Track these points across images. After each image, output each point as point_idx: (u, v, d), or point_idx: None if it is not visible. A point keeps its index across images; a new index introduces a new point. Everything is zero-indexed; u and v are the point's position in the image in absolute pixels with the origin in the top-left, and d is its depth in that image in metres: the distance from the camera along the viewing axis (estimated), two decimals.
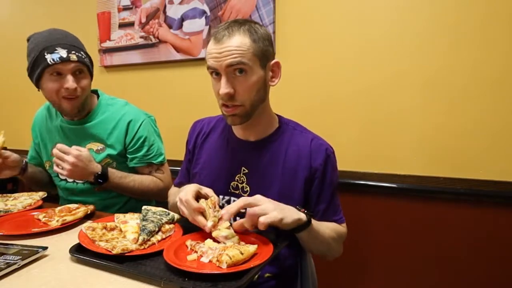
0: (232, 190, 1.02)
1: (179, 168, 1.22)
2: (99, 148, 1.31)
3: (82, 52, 1.24)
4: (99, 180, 1.21)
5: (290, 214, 0.83)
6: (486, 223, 1.41)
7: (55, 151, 1.16)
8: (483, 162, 1.41)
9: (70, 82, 1.19)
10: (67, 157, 1.14)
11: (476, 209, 1.42)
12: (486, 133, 1.40)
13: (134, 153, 1.32)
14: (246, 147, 1.02)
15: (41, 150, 1.44)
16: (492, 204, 1.40)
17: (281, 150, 1.00)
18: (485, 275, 1.43)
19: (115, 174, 1.26)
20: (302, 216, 0.85)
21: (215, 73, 0.92)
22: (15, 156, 1.26)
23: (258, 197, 0.83)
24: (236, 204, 0.84)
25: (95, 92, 1.41)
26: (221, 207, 0.96)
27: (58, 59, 1.17)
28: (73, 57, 1.19)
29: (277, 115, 1.07)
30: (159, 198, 1.36)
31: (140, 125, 1.33)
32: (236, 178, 1.01)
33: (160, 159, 1.38)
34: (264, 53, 0.92)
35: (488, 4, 1.36)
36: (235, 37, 0.89)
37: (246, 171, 1.01)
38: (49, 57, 1.17)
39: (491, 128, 1.40)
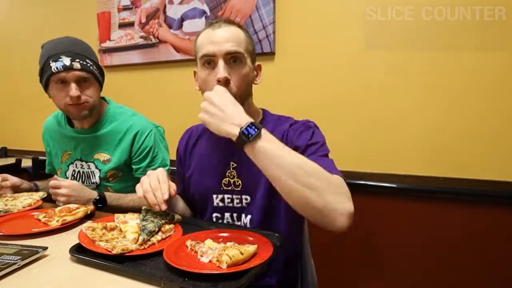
0: (225, 187, 1.02)
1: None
2: (105, 159, 1.32)
3: (88, 60, 1.23)
4: (99, 205, 1.20)
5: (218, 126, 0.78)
6: (486, 223, 1.41)
7: (50, 190, 1.18)
8: (483, 162, 1.41)
9: (73, 90, 1.20)
10: (59, 190, 1.15)
11: (476, 209, 1.42)
12: (486, 133, 1.40)
13: (138, 163, 1.32)
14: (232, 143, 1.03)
15: (53, 158, 1.46)
16: (492, 204, 1.40)
17: None
18: (485, 274, 1.43)
19: (112, 197, 1.25)
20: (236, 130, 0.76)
21: (209, 61, 0.93)
22: (24, 186, 1.32)
23: None
24: None
25: (103, 98, 1.41)
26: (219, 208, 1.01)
27: (61, 67, 1.19)
28: (76, 65, 1.19)
29: (262, 109, 1.09)
30: None
31: (147, 136, 1.32)
32: (227, 174, 1.02)
33: None
34: (253, 51, 0.99)
35: (488, 4, 1.36)
36: (232, 27, 0.95)
37: (235, 165, 1.01)
38: (53, 65, 1.19)
39: (491, 128, 1.40)
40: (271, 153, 0.75)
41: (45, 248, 0.82)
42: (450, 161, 1.47)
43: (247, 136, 0.75)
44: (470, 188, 1.41)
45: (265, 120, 1.05)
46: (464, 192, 1.42)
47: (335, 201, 0.73)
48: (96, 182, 1.34)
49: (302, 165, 0.75)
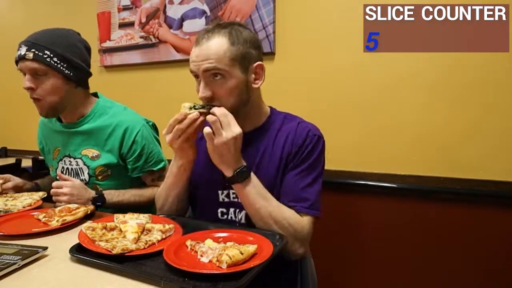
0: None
1: None
2: (94, 155, 1.28)
3: (48, 52, 1.14)
4: (97, 203, 1.20)
5: None
6: (486, 223, 1.41)
7: (52, 190, 1.17)
8: (483, 162, 1.41)
9: (24, 81, 1.16)
10: (61, 190, 1.15)
11: (476, 209, 1.42)
12: (486, 133, 1.40)
13: (134, 163, 1.29)
14: None
15: (45, 155, 1.44)
16: (492, 204, 1.40)
17: (271, 137, 1.01)
18: (485, 274, 1.43)
19: (111, 194, 1.24)
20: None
21: (196, 76, 0.95)
22: (26, 186, 1.33)
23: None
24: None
25: (95, 94, 1.38)
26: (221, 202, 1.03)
27: (17, 57, 1.16)
28: (29, 55, 1.13)
29: (269, 107, 1.08)
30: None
31: (137, 134, 1.28)
32: None
33: (160, 165, 1.33)
34: (245, 56, 0.93)
35: (488, 4, 1.36)
36: (213, 41, 0.91)
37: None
38: (16, 55, 1.17)
39: (491, 129, 1.40)
40: (251, 197, 0.91)
41: (45, 248, 0.82)
42: (450, 161, 1.47)
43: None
44: (470, 188, 1.41)
45: (272, 118, 1.05)
46: (464, 192, 1.42)
47: (289, 248, 0.91)
48: (85, 179, 1.29)
49: (272, 214, 0.90)
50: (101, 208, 1.21)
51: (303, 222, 0.93)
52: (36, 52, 1.13)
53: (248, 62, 0.94)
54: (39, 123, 1.46)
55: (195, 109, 0.90)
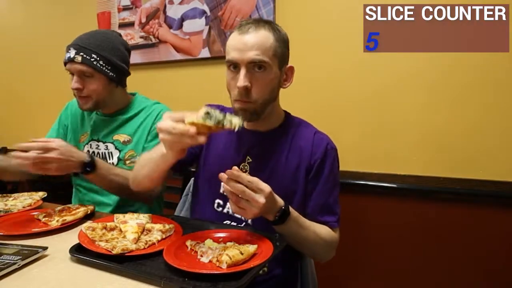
0: None
1: None
2: (125, 140, 1.32)
3: (94, 55, 1.21)
4: (87, 169, 1.12)
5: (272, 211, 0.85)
6: (486, 223, 1.41)
7: (35, 156, 1.02)
8: (483, 162, 1.41)
9: (72, 82, 1.23)
10: (49, 154, 1.03)
11: (476, 209, 1.42)
12: (486, 133, 1.40)
13: (150, 141, 1.29)
14: (252, 137, 1.04)
15: (68, 134, 1.43)
16: (492, 204, 1.40)
17: (286, 142, 1.01)
18: (485, 274, 1.43)
19: (102, 164, 1.18)
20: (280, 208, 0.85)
21: (233, 66, 0.93)
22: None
23: (263, 188, 0.80)
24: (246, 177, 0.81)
25: (133, 94, 1.45)
26: None
27: (66, 59, 1.22)
28: (78, 58, 1.20)
29: (284, 111, 1.09)
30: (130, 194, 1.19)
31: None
32: (241, 166, 1.02)
33: None
34: (283, 54, 0.97)
35: (488, 4, 1.36)
36: (260, 32, 0.92)
37: (250, 160, 1.02)
38: (64, 56, 1.23)
39: (491, 129, 1.40)
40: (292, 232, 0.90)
41: (45, 248, 0.82)
42: (450, 161, 1.47)
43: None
44: (470, 188, 1.41)
45: (287, 123, 1.05)
46: (464, 192, 1.42)
47: (324, 256, 1.01)
48: (113, 163, 1.30)
49: (315, 241, 0.94)
50: (89, 174, 1.14)
51: (336, 234, 1.00)
52: (84, 55, 1.21)
53: (283, 61, 0.98)
54: (68, 104, 1.46)
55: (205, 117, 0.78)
